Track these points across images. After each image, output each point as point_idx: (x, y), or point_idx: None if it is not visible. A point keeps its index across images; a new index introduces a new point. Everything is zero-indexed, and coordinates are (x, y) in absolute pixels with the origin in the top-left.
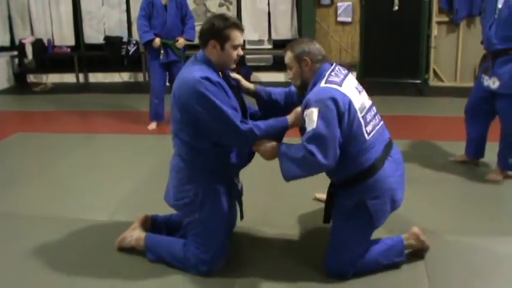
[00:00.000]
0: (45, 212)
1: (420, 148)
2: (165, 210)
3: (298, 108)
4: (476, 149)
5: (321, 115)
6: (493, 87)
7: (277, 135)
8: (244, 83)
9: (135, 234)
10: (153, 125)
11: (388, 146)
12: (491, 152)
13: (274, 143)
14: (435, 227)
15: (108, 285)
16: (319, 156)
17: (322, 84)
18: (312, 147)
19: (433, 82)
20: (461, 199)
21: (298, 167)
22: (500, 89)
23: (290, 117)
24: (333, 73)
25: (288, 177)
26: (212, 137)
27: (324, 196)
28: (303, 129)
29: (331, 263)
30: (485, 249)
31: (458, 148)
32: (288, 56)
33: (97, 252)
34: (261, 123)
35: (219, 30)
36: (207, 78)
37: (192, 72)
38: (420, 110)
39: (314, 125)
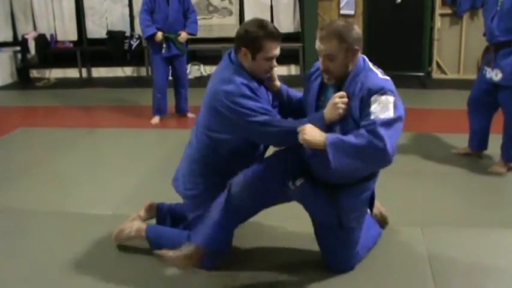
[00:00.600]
0: (48, 207)
1: (423, 140)
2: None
3: (333, 100)
4: (479, 141)
5: (397, 106)
6: (495, 79)
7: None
8: (274, 76)
9: (135, 225)
10: (156, 119)
11: None
12: (495, 145)
13: (321, 132)
14: (438, 219)
15: (112, 280)
16: (388, 144)
17: (381, 75)
18: (383, 131)
19: (436, 75)
20: (464, 191)
21: (355, 154)
22: (503, 81)
23: (326, 110)
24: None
25: (339, 166)
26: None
27: None
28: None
29: (338, 261)
30: (488, 241)
31: (461, 140)
32: (333, 45)
33: (101, 246)
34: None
35: (252, 39)
36: (242, 86)
37: (225, 79)
38: (423, 102)
39: (390, 114)
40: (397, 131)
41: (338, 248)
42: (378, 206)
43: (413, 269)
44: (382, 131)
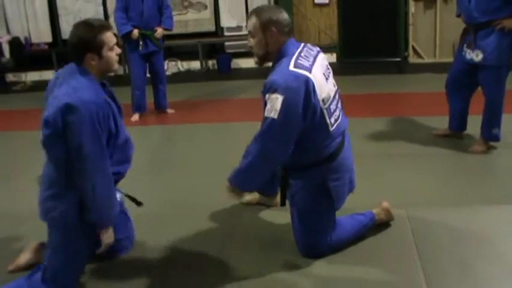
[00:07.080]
0: (31, 211)
1: (403, 124)
2: (150, 202)
3: None
4: (459, 122)
5: (285, 104)
6: (476, 59)
7: None
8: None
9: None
10: (135, 117)
11: (344, 131)
12: (474, 125)
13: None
14: (421, 200)
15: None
16: (278, 148)
17: (291, 67)
18: (270, 140)
19: (412, 59)
20: (446, 171)
21: (255, 172)
22: (484, 61)
23: None
24: (302, 55)
25: (247, 188)
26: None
27: (251, 198)
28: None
29: (302, 245)
30: (471, 218)
31: (441, 123)
32: (253, 23)
33: None
34: None
35: (90, 40)
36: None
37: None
38: (401, 87)
39: (276, 115)
40: (278, 133)
41: (297, 228)
42: (385, 207)
43: (399, 250)
44: (267, 139)
